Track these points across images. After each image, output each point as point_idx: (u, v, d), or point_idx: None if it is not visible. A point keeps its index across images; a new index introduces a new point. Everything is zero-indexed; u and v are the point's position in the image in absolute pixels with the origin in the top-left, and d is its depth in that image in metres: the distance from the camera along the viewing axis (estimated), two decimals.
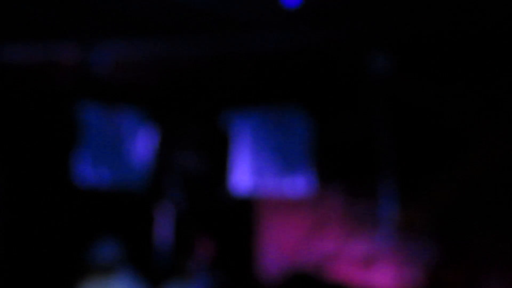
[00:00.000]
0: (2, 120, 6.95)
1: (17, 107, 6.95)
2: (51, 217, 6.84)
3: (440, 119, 6.63)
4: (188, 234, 6.86)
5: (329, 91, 6.78)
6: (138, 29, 6.38)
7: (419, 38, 6.56)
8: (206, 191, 6.92)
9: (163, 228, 6.86)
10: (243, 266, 6.81)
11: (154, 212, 6.91)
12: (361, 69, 6.60)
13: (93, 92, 6.77)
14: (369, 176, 6.63)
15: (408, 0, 5.96)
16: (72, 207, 6.85)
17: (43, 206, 6.87)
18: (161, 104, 6.96)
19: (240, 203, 6.87)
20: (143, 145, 6.91)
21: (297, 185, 6.70)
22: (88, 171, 6.73)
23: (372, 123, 6.63)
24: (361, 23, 6.41)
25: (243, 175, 6.75)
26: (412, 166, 6.59)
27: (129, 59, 6.74)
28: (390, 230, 6.59)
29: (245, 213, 6.90)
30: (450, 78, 6.60)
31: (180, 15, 6.01)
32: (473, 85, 6.55)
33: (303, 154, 6.71)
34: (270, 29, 6.39)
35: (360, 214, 6.71)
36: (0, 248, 6.75)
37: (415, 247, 6.60)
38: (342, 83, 6.75)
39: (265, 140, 6.75)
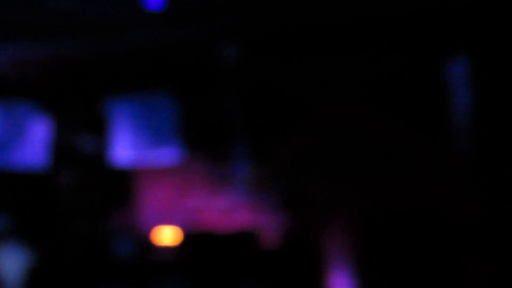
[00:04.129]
0: None
1: None
2: None
3: (283, 93, 7.67)
4: (83, 203, 8.01)
5: (191, 76, 7.79)
6: (25, 34, 6.93)
7: (263, 30, 7.40)
8: (94, 165, 8.09)
9: (62, 198, 8.01)
10: (128, 222, 8.01)
11: (52, 186, 8.03)
12: (216, 56, 7.47)
13: None
14: (226, 144, 7.69)
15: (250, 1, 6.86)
16: None
17: None
18: (52, 96, 7.89)
19: (121, 173, 7.97)
20: (39, 131, 7.86)
21: (167, 155, 7.78)
22: None
23: (227, 100, 7.65)
24: (215, 21, 7.11)
25: (123, 150, 7.82)
26: (260, 134, 7.68)
27: (22, 59, 7.37)
28: (244, 185, 7.70)
29: (126, 180, 7.99)
30: (290, 60, 7.63)
31: (60, 20, 6.65)
32: (310, 64, 7.60)
33: (171, 129, 7.77)
34: (138, 29, 7.07)
35: (220, 175, 7.78)
36: None
37: (266, 197, 7.72)
38: (201, 69, 7.74)
39: (140, 120, 7.79)
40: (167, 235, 7.67)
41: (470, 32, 6.99)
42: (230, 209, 7.72)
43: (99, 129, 7.97)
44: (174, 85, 7.90)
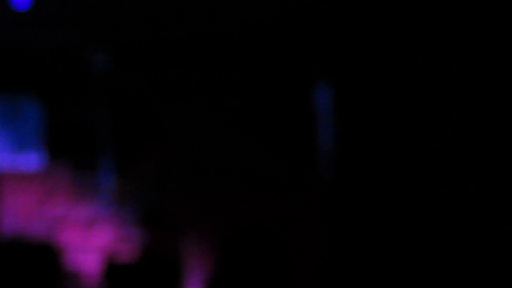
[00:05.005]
0: None
1: None
2: None
3: (149, 105, 7.65)
4: None
5: (58, 82, 7.62)
6: None
7: (132, 40, 7.52)
8: None
9: None
10: None
11: None
12: (85, 64, 7.47)
13: None
14: (91, 153, 7.60)
15: (120, 9, 6.98)
16: None
17: None
18: None
19: None
20: None
21: (30, 161, 7.61)
22: None
23: (94, 109, 7.58)
24: (83, 25, 7.19)
25: None
26: (126, 145, 7.63)
27: None
28: (108, 197, 7.63)
29: None
30: (158, 72, 7.62)
31: None
32: (176, 78, 7.67)
33: (35, 134, 7.59)
34: (5, 28, 7.07)
35: (84, 184, 7.65)
36: None
37: (129, 211, 7.82)
38: (69, 75, 7.60)
39: (1, 123, 7.61)
40: None
41: (334, 58, 7.19)
42: (92, 221, 7.57)
43: None
44: (40, 89, 7.72)
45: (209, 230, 7.50)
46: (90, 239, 7.56)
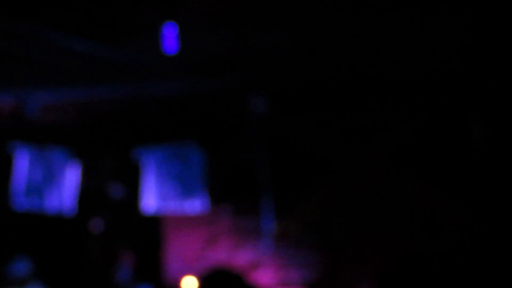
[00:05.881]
0: None
1: None
2: None
3: (307, 148, 7.75)
4: (112, 249, 8.07)
5: (218, 128, 7.85)
6: (58, 79, 7.03)
7: (289, 84, 7.59)
8: (123, 213, 8.15)
9: (89, 244, 8.08)
10: (153, 272, 8.03)
11: (81, 232, 8.09)
12: (243, 109, 7.56)
13: (25, 134, 7.93)
14: (252, 197, 7.73)
15: (279, 54, 6.88)
16: (7, 228, 8.01)
17: None
18: (83, 143, 8.01)
19: (149, 221, 8.02)
20: (70, 177, 7.99)
21: (194, 205, 7.79)
22: (22, 199, 7.84)
23: (254, 153, 7.70)
24: (243, 72, 7.27)
25: (151, 199, 7.86)
26: (285, 188, 7.72)
27: (54, 104, 7.47)
28: (269, 240, 7.76)
29: (153, 229, 8.08)
30: (315, 115, 7.76)
31: (94, 66, 6.74)
32: (333, 120, 7.78)
33: (198, 180, 7.80)
34: (168, 77, 7.20)
35: (246, 228, 7.85)
36: None
37: (290, 252, 7.87)
38: (228, 121, 7.82)
39: (168, 170, 7.83)
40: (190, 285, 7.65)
41: (489, 97, 7.14)
42: (254, 264, 7.69)
43: (129, 177, 7.98)
44: (202, 135, 7.94)
45: (369, 266, 7.48)
46: (253, 281, 7.64)
